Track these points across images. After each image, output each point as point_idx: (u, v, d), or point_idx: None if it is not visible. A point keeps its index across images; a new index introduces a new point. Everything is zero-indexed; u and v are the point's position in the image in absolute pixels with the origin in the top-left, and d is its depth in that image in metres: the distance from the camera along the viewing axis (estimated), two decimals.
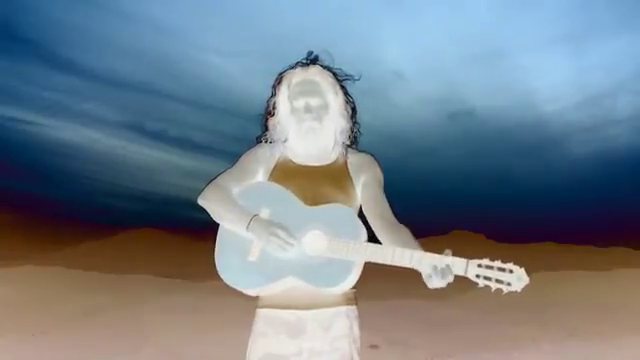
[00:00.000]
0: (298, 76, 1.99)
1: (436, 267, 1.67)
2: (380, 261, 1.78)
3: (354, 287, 1.95)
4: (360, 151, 2.08)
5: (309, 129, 1.97)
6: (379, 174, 2.04)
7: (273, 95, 2.03)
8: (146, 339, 10.07)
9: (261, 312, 1.97)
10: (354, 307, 1.97)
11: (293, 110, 1.99)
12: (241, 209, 1.93)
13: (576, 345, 9.46)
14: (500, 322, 13.09)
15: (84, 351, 9.15)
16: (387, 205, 1.96)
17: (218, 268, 1.94)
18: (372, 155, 2.08)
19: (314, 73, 1.99)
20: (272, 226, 1.85)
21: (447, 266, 1.67)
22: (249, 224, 1.88)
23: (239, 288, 1.92)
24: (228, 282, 1.92)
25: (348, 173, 2.01)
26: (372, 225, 1.91)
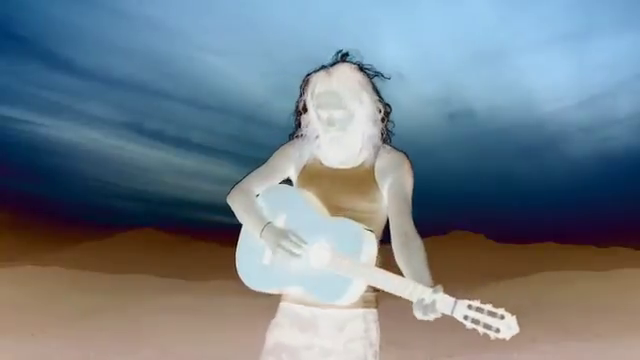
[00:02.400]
0: (321, 85, 1.95)
1: (422, 300, 1.64)
2: (375, 285, 1.80)
3: (377, 290, 1.95)
4: (392, 149, 2.04)
5: (333, 140, 1.96)
6: (405, 177, 1.98)
7: (302, 95, 2.03)
8: (145, 339, 10.07)
9: (281, 305, 2.03)
10: (373, 310, 1.97)
11: (319, 118, 1.99)
12: (258, 215, 1.99)
13: (576, 345, 9.46)
14: None
15: (84, 351, 9.14)
16: (407, 215, 1.91)
17: (237, 262, 2.02)
18: (404, 154, 2.03)
19: (337, 82, 1.93)
20: (281, 236, 1.88)
21: (433, 302, 1.63)
22: (262, 232, 1.93)
23: (249, 286, 2.00)
24: (241, 278, 2.01)
25: (374, 177, 1.99)
26: (392, 239, 1.91)
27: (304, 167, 2.05)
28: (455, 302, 1.62)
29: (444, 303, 1.63)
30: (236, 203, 2.04)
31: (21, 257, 29.20)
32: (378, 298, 2.00)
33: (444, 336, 12.21)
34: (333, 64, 1.98)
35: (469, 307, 1.60)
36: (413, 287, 1.68)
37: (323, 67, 1.98)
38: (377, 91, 2.01)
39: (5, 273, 16.94)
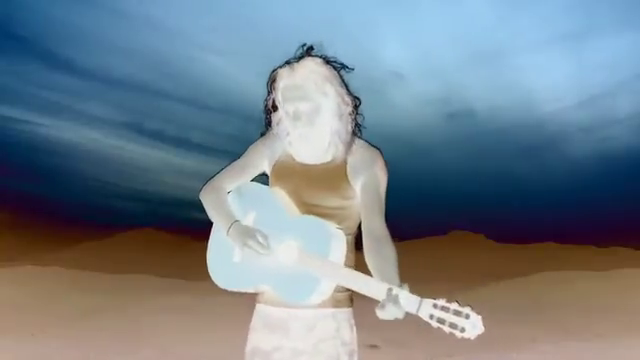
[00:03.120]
0: (285, 79, 1.94)
1: (389, 295, 1.62)
2: (342, 284, 1.79)
3: (349, 289, 1.93)
4: (366, 145, 2.02)
5: (301, 136, 1.95)
6: (379, 175, 1.95)
7: (270, 92, 2.02)
8: (145, 339, 10.06)
9: (256, 307, 2.03)
10: (344, 309, 1.95)
11: (286, 113, 1.98)
12: (226, 213, 1.98)
13: (576, 345, 9.45)
14: (499, 322, 13.07)
15: (84, 351, 9.13)
16: (380, 217, 1.88)
17: (207, 264, 2.01)
18: (377, 150, 2.01)
19: (301, 76, 1.92)
20: (247, 235, 1.87)
21: (396, 297, 1.60)
22: (229, 230, 1.92)
23: (220, 285, 1.98)
24: (212, 278, 1.99)
25: (345, 173, 1.96)
26: (363, 240, 1.87)
27: (276, 163, 2.04)
28: (420, 301, 1.60)
29: (409, 301, 1.61)
30: (207, 200, 2.03)
31: (21, 257, 29.19)
32: (352, 297, 1.97)
33: (444, 336, 12.18)
34: (298, 59, 1.97)
35: (434, 306, 1.59)
36: (378, 286, 1.66)
37: (287, 62, 1.97)
38: (344, 84, 1.99)
39: (5, 273, 16.93)
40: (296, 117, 1.94)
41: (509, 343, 10.27)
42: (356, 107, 2.00)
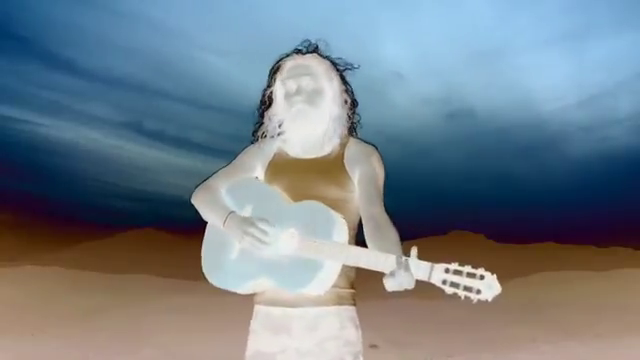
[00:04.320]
0: (293, 61, 1.94)
1: (399, 263, 1.54)
2: (349, 263, 1.71)
3: (353, 287, 1.92)
4: (361, 141, 1.99)
5: (299, 112, 1.91)
6: (376, 167, 1.92)
7: (269, 85, 1.99)
8: (145, 339, 10.06)
9: (255, 308, 1.95)
10: (348, 307, 1.88)
11: (286, 94, 1.94)
12: (221, 207, 1.90)
13: (575, 345, 9.46)
14: (499, 322, 13.07)
15: (84, 351, 9.14)
16: (379, 205, 1.84)
17: (202, 264, 1.94)
18: (374, 146, 1.98)
19: (309, 59, 1.93)
20: (246, 224, 1.80)
21: (406, 263, 1.53)
22: (225, 221, 1.86)
23: (218, 285, 1.90)
24: (209, 279, 1.91)
25: (343, 165, 1.93)
26: (364, 228, 1.82)
27: (270, 162, 1.99)
28: (432, 267, 1.53)
29: (420, 268, 1.54)
30: (199, 199, 1.96)
31: (21, 257, 29.21)
32: (355, 296, 1.91)
33: (444, 336, 12.21)
34: (301, 51, 1.97)
35: (446, 271, 1.51)
36: (386, 258, 1.59)
37: (294, 50, 1.97)
38: (347, 83, 1.98)
39: (5, 273, 16.93)
40: (297, 92, 1.91)
41: (509, 343, 10.27)
42: (354, 106, 1.97)
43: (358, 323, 1.91)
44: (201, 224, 2.01)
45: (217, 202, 1.93)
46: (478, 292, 1.48)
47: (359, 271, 1.91)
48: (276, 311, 1.88)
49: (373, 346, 10.78)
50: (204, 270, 1.92)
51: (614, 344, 9.22)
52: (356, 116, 2.01)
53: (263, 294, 1.91)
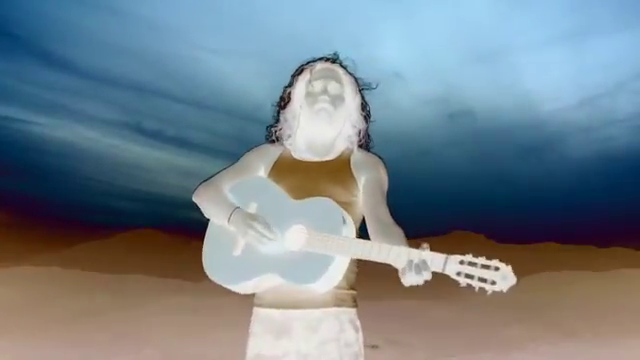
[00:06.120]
0: (323, 64, 1.99)
1: (412, 262, 1.53)
2: (358, 256, 1.69)
3: (353, 288, 1.91)
4: (368, 152, 2.02)
5: (321, 110, 1.92)
6: (382, 176, 1.95)
7: (290, 85, 2.00)
8: (145, 339, 10.05)
9: (254, 310, 1.94)
10: (348, 309, 1.88)
11: (309, 93, 1.96)
12: (225, 203, 1.90)
13: (575, 346, 9.46)
14: (500, 322, 13.08)
15: (84, 351, 9.13)
16: (385, 208, 1.86)
17: (203, 263, 1.92)
18: (380, 158, 2.02)
19: (337, 67, 1.99)
20: (250, 219, 1.80)
21: (423, 261, 1.53)
22: (230, 217, 1.84)
23: (220, 283, 1.88)
24: (211, 277, 1.89)
25: (350, 169, 1.95)
26: (368, 227, 1.83)
27: (275, 164, 2.00)
28: (446, 258, 1.52)
29: (434, 260, 1.53)
30: (202, 196, 1.95)
31: (20, 257, 29.19)
32: (355, 297, 1.91)
33: (444, 336, 12.20)
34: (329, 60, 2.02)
35: (461, 262, 1.50)
36: (398, 250, 1.58)
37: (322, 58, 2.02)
38: (366, 101, 2.03)
39: (4, 273, 16.92)
40: (323, 92, 1.94)
41: (509, 343, 10.27)
42: (367, 121, 2.01)
43: (358, 324, 1.91)
44: (201, 224, 1.99)
45: (221, 198, 1.92)
46: (493, 283, 1.47)
47: (359, 271, 1.91)
48: (276, 313, 1.87)
49: (373, 346, 10.77)
50: (206, 267, 1.90)
51: (614, 344, 9.22)
52: (368, 136, 2.05)
53: (263, 296, 1.90)
